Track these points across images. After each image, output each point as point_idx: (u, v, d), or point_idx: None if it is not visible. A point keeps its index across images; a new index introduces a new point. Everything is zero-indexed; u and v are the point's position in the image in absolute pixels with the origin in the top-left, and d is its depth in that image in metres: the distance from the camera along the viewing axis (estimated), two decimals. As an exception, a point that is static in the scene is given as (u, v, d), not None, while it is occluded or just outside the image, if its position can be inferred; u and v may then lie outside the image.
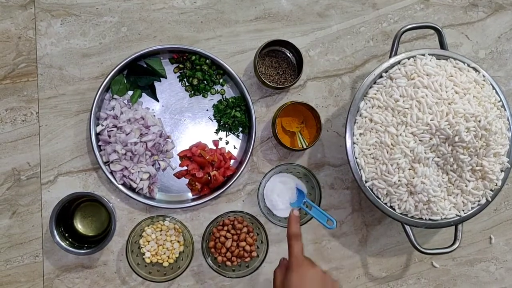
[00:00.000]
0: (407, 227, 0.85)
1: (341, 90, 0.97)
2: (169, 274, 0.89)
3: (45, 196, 0.91)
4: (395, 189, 0.82)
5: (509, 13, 1.01)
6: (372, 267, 0.97)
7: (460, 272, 0.99)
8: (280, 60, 0.95)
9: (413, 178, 0.81)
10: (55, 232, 0.86)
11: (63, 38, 0.93)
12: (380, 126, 0.82)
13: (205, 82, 0.94)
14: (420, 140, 0.80)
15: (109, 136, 0.88)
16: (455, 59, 0.86)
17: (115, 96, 0.91)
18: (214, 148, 0.94)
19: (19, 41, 0.92)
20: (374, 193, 0.84)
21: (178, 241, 0.91)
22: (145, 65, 0.92)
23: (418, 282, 0.98)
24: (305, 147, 0.91)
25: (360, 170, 0.84)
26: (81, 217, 0.92)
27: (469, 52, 1.00)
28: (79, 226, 0.92)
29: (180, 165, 0.93)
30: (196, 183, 0.91)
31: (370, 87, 0.85)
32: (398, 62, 0.85)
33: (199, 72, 0.92)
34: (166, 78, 0.93)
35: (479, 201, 0.85)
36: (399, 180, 0.82)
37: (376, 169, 0.83)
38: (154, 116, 0.93)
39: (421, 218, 0.85)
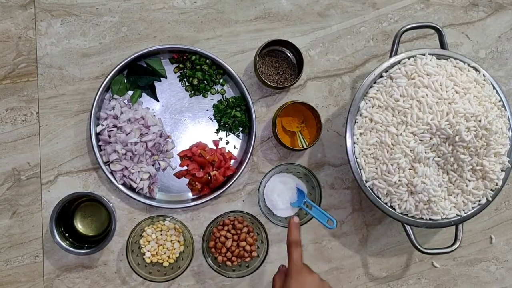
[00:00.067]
0: (408, 227, 0.85)
1: (341, 89, 0.97)
2: (169, 274, 0.88)
3: (45, 196, 0.91)
4: (396, 189, 0.82)
5: (510, 13, 1.01)
6: (372, 267, 0.97)
7: (461, 272, 0.99)
8: (280, 60, 0.94)
9: (414, 178, 0.81)
10: (55, 232, 0.86)
11: (63, 38, 0.93)
12: (381, 126, 0.82)
13: (205, 82, 0.94)
14: (420, 140, 0.80)
15: (109, 136, 0.88)
16: (455, 58, 0.85)
17: (115, 96, 0.90)
18: (214, 148, 0.93)
19: (19, 41, 0.92)
20: (374, 193, 0.84)
21: (178, 241, 0.91)
22: (145, 65, 0.92)
23: (418, 282, 0.97)
24: (305, 147, 0.91)
25: (360, 170, 0.84)
26: (81, 217, 0.92)
27: (469, 51, 1.00)
28: (79, 226, 0.92)
29: (180, 165, 0.93)
30: (196, 183, 0.91)
31: (371, 87, 0.85)
32: (398, 62, 0.85)
33: (199, 72, 0.92)
34: (166, 78, 0.93)
35: (479, 201, 0.85)
36: (399, 180, 0.82)
37: (376, 169, 0.83)
38: (154, 116, 0.93)
39: (421, 218, 0.85)
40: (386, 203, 0.84)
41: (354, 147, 0.84)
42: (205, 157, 0.90)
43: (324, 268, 0.95)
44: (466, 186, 0.83)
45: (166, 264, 0.90)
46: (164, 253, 0.90)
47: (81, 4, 0.93)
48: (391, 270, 0.97)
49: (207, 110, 0.94)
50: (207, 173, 0.91)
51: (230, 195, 0.94)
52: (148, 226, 0.90)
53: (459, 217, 0.85)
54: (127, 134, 0.88)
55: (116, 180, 0.89)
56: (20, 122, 0.92)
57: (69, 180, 0.92)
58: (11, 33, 0.93)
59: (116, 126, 0.89)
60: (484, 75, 0.85)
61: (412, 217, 0.85)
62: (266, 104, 0.95)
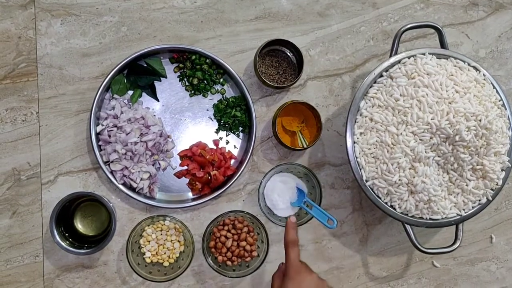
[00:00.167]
0: (408, 227, 0.85)
1: (342, 89, 0.97)
2: (169, 274, 0.88)
3: (45, 196, 0.91)
4: (396, 189, 0.82)
5: (510, 12, 1.01)
6: (372, 267, 0.97)
7: (461, 272, 0.99)
8: (281, 60, 0.94)
9: (414, 177, 0.81)
10: (55, 232, 0.86)
11: (63, 38, 0.93)
12: (381, 126, 0.82)
13: (205, 81, 0.94)
14: (420, 139, 0.80)
15: (109, 136, 0.88)
16: (455, 58, 0.85)
17: (115, 95, 0.90)
18: (215, 147, 0.93)
19: (19, 41, 0.92)
20: (374, 193, 0.84)
21: (179, 241, 0.91)
22: (145, 65, 0.92)
23: (419, 281, 0.97)
24: (305, 146, 0.91)
25: (360, 169, 0.84)
26: (81, 217, 0.92)
27: (469, 51, 1.00)
28: (79, 226, 0.92)
29: (181, 165, 0.93)
30: (197, 183, 0.91)
31: (371, 87, 0.85)
32: (399, 61, 0.85)
33: (199, 71, 0.92)
34: (166, 77, 0.93)
35: (479, 200, 0.85)
36: (399, 180, 0.82)
37: (376, 168, 0.83)
38: (154, 115, 0.93)
39: (421, 218, 0.85)
40: (386, 203, 0.84)
41: (354, 147, 0.84)
42: (205, 156, 0.90)
43: (324, 268, 0.95)
44: (466, 185, 0.83)
45: (166, 264, 0.90)
46: (164, 253, 0.90)
47: (81, 4, 0.93)
48: (391, 269, 0.97)
49: (207, 110, 0.94)
50: (207, 172, 0.91)
51: (230, 195, 0.94)
52: (148, 226, 0.90)
53: (459, 217, 0.85)
54: (127, 134, 0.88)
55: (116, 180, 0.89)
56: (20, 122, 0.92)
57: (69, 180, 0.92)
58: (11, 33, 0.92)
59: (116, 126, 0.89)
60: (484, 75, 0.85)
61: (412, 216, 0.85)
62: (266, 103, 0.95)
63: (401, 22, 0.98)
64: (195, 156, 0.91)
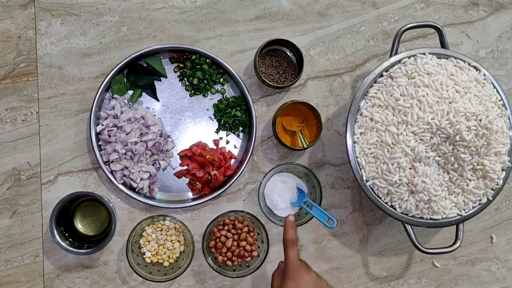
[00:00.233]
0: (408, 227, 0.85)
1: (342, 89, 0.97)
2: (169, 274, 0.88)
3: (45, 196, 0.91)
4: (396, 189, 0.82)
5: (510, 12, 1.01)
6: (373, 267, 0.97)
7: (461, 272, 0.98)
8: (281, 60, 0.94)
9: (414, 177, 0.81)
10: (55, 232, 0.86)
11: (63, 38, 0.93)
12: (381, 125, 0.82)
13: (205, 81, 0.94)
14: (420, 139, 0.80)
15: (109, 136, 0.88)
16: (455, 58, 0.85)
17: (115, 95, 0.90)
18: (215, 147, 0.93)
19: (19, 40, 0.92)
20: (374, 193, 0.84)
21: (179, 241, 0.91)
22: (145, 65, 0.92)
23: (419, 281, 0.97)
24: (305, 146, 0.91)
25: (360, 169, 0.84)
26: (81, 217, 0.92)
27: (469, 51, 1.00)
28: (79, 225, 0.92)
29: (181, 165, 0.93)
30: (197, 183, 0.91)
31: (371, 86, 0.85)
32: (399, 61, 0.85)
33: (199, 71, 0.92)
34: (166, 77, 0.93)
35: (480, 200, 0.85)
36: (399, 179, 0.81)
37: (376, 168, 0.83)
38: (154, 115, 0.93)
39: (422, 218, 0.85)
40: (386, 203, 0.84)
41: (355, 147, 0.84)
42: (205, 156, 0.90)
43: (324, 268, 0.95)
44: (467, 185, 0.83)
45: (166, 264, 0.90)
46: (164, 253, 0.90)
47: (81, 3, 0.93)
48: (391, 269, 0.97)
49: (207, 110, 0.94)
50: (207, 172, 0.91)
51: (231, 195, 0.94)
52: (148, 225, 0.90)
53: (459, 217, 0.85)
54: (127, 134, 0.88)
55: (116, 180, 0.89)
56: (20, 121, 0.92)
57: (69, 180, 0.91)
58: (11, 32, 0.92)
59: (116, 126, 0.89)
60: (484, 74, 0.85)
61: (413, 216, 0.85)
62: (266, 103, 0.95)
63: (401, 22, 0.98)
64: (195, 156, 0.91)
